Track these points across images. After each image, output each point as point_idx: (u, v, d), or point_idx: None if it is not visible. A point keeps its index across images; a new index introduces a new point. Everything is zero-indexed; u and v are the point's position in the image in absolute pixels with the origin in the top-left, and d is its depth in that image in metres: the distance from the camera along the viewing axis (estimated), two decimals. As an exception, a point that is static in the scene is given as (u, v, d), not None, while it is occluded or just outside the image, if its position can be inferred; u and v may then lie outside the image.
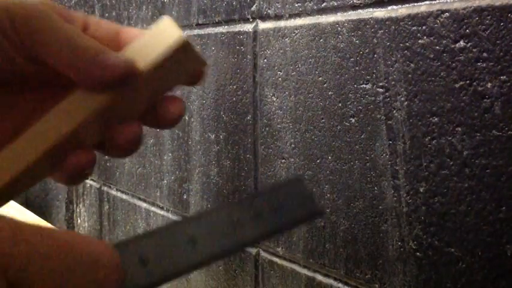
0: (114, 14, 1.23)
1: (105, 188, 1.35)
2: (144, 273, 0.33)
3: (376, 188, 0.66)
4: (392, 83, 0.63)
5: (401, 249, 0.63)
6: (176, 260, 0.34)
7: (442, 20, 0.57)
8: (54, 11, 0.35)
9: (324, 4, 0.71)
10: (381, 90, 0.64)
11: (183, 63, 0.38)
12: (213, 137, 0.94)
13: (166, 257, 0.34)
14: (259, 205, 0.37)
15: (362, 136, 0.67)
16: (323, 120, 0.72)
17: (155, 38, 0.37)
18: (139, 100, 0.39)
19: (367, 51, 0.66)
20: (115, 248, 0.30)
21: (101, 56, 0.34)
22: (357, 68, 0.67)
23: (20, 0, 0.35)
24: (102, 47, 0.34)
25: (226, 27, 0.90)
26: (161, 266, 0.34)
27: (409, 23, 0.61)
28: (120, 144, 0.37)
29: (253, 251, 0.87)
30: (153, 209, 1.15)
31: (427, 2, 0.59)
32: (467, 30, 0.55)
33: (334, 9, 0.70)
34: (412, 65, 0.61)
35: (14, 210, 1.62)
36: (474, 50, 0.55)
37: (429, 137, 0.59)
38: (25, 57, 0.35)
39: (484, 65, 0.54)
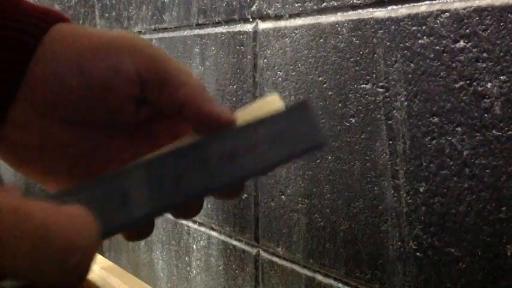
0: (114, 14, 1.23)
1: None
2: (124, 211, 0.31)
3: (376, 188, 0.66)
4: (393, 83, 0.63)
5: (401, 249, 0.63)
6: (159, 197, 0.32)
7: (442, 20, 0.57)
8: (172, 60, 0.36)
9: (324, 4, 0.71)
10: (381, 90, 0.64)
11: None
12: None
13: (148, 194, 0.32)
14: (256, 135, 0.34)
15: (362, 136, 0.67)
16: (323, 120, 0.72)
17: (257, 108, 0.37)
18: None
19: (367, 51, 0.66)
20: (95, 215, 0.27)
21: (221, 104, 0.36)
22: (357, 68, 0.67)
23: (137, 41, 0.35)
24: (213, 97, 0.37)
25: (226, 27, 0.90)
26: (143, 203, 0.32)
27: (409, 23, 0.61)
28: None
29: (253, 251, 0.87)
30: (153, 209, 1.15)
31: (427, 2, 0.59)
32: (467, 30, 0.55)
33: (334, 9, 0.70)
34: (412, 65, 0.61)
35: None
36: (474, 50, 0.55)
37: (429, 137, 0.59)
38: (135, 101, 0.35)
39: (484, 65, 0.54)
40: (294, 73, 0.76)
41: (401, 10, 0.62)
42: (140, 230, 0.36)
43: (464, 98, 0.56)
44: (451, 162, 0.58)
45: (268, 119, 0.35)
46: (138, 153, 0.37)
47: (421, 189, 0.61)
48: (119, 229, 0.32)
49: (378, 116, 0.65)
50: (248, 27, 0.85)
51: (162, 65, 0.35)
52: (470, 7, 0.55)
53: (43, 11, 0.36)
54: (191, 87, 0.35)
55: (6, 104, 0.34)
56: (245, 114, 0.37)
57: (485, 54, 0.54)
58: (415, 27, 0.60)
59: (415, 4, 0.60)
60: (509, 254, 0.53)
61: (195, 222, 1.02)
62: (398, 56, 0.62)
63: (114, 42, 0.35)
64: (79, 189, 0.31)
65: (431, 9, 0.58)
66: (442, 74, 0.58)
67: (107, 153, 0.37)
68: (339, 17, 0.69)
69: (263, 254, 0.85)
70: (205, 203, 0.98)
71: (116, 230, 0.32)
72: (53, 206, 0.26)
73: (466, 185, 0.56)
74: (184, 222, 1.05)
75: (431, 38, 0.58)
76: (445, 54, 0.57)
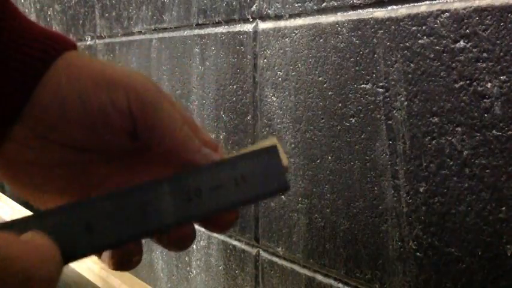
0: (114, 14, 1.23)
1: (105, 188, 1.35)
2: (88, 240, 0.32)
3: (376, 188, 0.66)
4: (392, 83, 0.63)
5: (401, 249, 0.63)
6: (123, 227, 0.33)
7: (442, 20, 0.57)
8: (164, 97, 0.38)
9: (324, 4, 0.71)
10: (381, 90, 0.64)
11: None
12: (213, 137, 0.94)
13: (113, 224, 0.33)
14: (222, 175, 0.35)
15: (362, 136, 0.67)
16: (323, 120, 0.72)
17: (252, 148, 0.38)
18: None
19: (367, 51, 0.66)
20: (56, 244, 0.29)
21: (202, 148, 0.38)
22: (357, 68, 0.67)
23: (135, 81, 0.37)
24: (196, 139, 0.38)
25: (226, 27, 0.90)
26: (107, 232, 0.33)
27: (409, 23, 0.61)
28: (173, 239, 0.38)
29: (253, 251, 0.87)
30: (153, 209, 1.15)
31: (427, 2, 0.59)
32: (467, 30, 0.55)
33: (334, 9, 0.70)
34: (412, 65, 0.61)
35: (14, 211, 1.62)
36: (474, 50, 0.55)
37: (429, 137, 0.59)
38: (128, 134, 0.37)
39: (484, 65, 0.54)
40: (294, 73, 0.76)
41: (401, 10, 0.62)
42: (128, 260, 0.37)
43: (464, 98, 0.56)
44: (451, 162, 0.58)
45: (235, 161, 0.36)
46: (130, 178, 0.39)
47: (421, 189, 0.61)
48: (82, 256, 0.33)
49: (378, 116, 0.65)
50: (248, 27, 0.85)
51: (154, 109, 0.36)
52: (470, 7, 0.55)
53: (53, 38, 0.38)
54: (178, 137, 0.37)
55: (10, 122, 0.36)
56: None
57: (485, 54, 0.54)
58: (415, 27, 0.60)
59: (415, 4, 0.60)
60: (509, 254, 0.53)
61: (195, 222, 1.02)
62: (398, 56, 0.62)
63: (114, 77, 0.36)
64: (44, 215, 0.32)
65: (431, 9, 0.58)
66: (442, 74, 0.58)
67: (99, 177, 0.39)
68: (339, 17, 0.69)
69: (263, 254, 0.85)
70: (205, 203, 0.97)
71: (79, 257, 0.33)
72: (13, 237, 0.27)
73: (466, 185, 0.56)
74: (184, 222, 1.05)
75: (431, 38, 0.58)
76: (445, 54, 0.57)
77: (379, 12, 0.64)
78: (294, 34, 0.76)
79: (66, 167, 0.38)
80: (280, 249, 0.81)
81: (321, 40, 0.72)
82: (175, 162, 0.38)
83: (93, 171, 0.39)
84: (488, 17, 0.53)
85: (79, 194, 0.38)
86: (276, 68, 0.79)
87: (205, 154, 0.37)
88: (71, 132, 0.36)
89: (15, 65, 0.36)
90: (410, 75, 0.61)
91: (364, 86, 0.66)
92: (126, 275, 1.21)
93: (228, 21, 0.89)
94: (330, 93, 0.71)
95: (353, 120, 0.68)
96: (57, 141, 0.37)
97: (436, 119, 0.59)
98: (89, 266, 1.25)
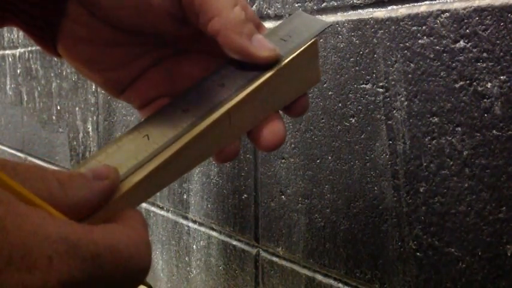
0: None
1: (105, 188, 1.35)
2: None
3: (376, 188, 0.66)
4: (392, 83, 0.63)
5: (401, 249, 0.63)
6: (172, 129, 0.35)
7: (442, 20, 0.57)
8: None
9: (324, 4, 0.71)
10: (381, 90, 0.64)
11: (306, 66, 0.39)
12: (213, 137, 0.94)
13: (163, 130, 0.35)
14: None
15: (362, 136, 0.67)
16: (323, 120, 0.72)
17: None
18: (263, 106, 0.38)
19: (367, 51, 0.66)
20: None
21: (255, 35, 0.36)
22: (357, 68, 0.67)
23: None
24: (254, 28, 0.37)
25: (226, 27, 0.90)
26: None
27: (409, 23, 0.61)
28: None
29: (253, 251, 0.87)
30: (153, 209, 1.15)
31: (427, 2, 0.59)
32: (467, 30, 0.55)
33: (334, 9, 0.70)
34: (412, 65, 0.61)
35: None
36: (474, 50, 0.55)
37: (429, 137, 0.59)
38: (176, 19, 0.37)
39: (484, 65, 0.54)
40: (294, 73, 0.76)
41: (401, 10, 0.62)
42: (226, 152, 0.38)
43: (464, 98, 0.56)
44: (451, 162, 0.58)
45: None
46: (181, 65, 0.40)
47: (421, 189, 0.61)
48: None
49: (378, 116, 0.65)
50: (248, 27, 0.85)
51: None
52: (470, 7, 0.55)
53: None
54: (225, 19, 0.36)
55: None
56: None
57: (485, 54, 0.54)
58: (415, 27, 0.60)
59: (415, 4, 0.60)
60: (509, 254, 0.53)
61: (195, 222, 1.02)
62: (398, 56, 0.62)
63: None
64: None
65: (431, 9, 0.58)
66: (442, 74, 0.58)
67: (150, 60, 0.41)
68: (339, 17, 0.69)
69: (263, 254, 0.85)
70: (205, 203, 0.98)
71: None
72: (114, 225, 0.28)
73: (466, 185, 0.56)
74: (184, 222, 1.05)
75: (431, 38, 0.58)
76: (445, 54, 0.57)
77: (379, 12, 0.64)
78: (294, 34, 0.76)
79: (117, 47, 0.39)
80: (280, 249, 0.81)
81: (321, 40, 0.72)
82: (228, 48, 0.37)
83: (144, 54, 0.40)
84: (488, 17, 0.53)
85: (131, 73, 0.40)
86: (276, 68, 0.79)
87: (259, 41, 0.36)
88: (115, 11, 0.37)
89: None
90: (410, 75, 0.61)
91: (364, 86, 0.66)
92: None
93: (228, 21, 0.89)
94: (330, 93, 0.71)
95: (353, 120, 0.68)
96: (106, 20, 0.38)
97: (436, 119, 0.59)
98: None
